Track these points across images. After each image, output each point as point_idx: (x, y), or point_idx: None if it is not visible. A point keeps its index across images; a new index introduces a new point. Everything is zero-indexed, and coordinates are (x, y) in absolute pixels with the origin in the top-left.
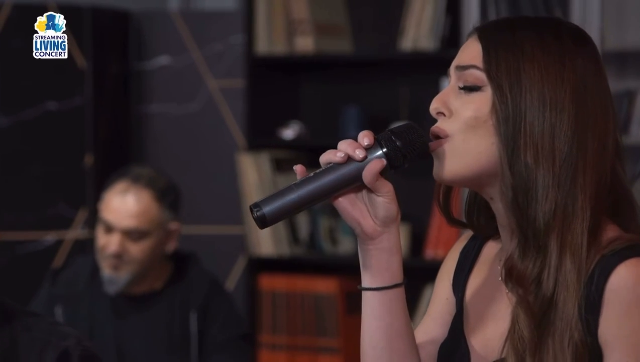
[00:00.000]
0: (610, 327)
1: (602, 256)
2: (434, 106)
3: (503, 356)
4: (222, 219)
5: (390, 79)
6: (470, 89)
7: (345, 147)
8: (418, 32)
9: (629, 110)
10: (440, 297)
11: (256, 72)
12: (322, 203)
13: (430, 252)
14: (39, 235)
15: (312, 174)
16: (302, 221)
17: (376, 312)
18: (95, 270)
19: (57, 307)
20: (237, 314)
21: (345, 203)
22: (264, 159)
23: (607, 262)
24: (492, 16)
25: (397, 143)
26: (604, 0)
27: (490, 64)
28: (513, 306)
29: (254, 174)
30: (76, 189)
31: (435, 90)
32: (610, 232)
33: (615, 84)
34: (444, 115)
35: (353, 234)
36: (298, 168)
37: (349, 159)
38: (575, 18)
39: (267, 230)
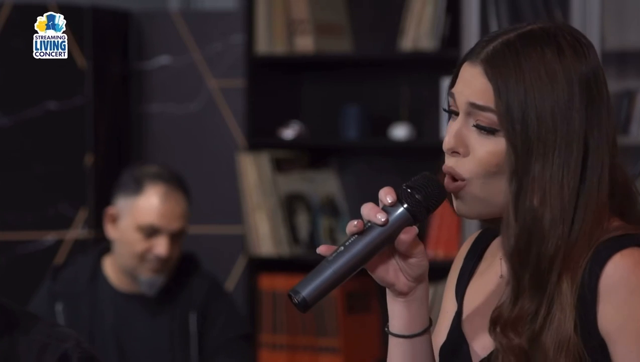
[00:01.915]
0: (610, 318)
1: (597, 247)
2: (451, 145)
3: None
4: (222, 219)
5: (390, 78)
6: (485, 130)
7: (366, 213)
8: (418, 32)
9: (629, 110)
10: (444, 312)
11: (256, 72)
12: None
13: (430, 252)
14: (39, 235)
15: (342, 247)
16: (302, 220)
17: (407, 357)
18: (96, 269)
19: (57, 304)
20: (238, 314)
21: (380, 268)
22: (264, 159)
23: (603, 252)
24: (492, 15)
25: (417, 197)
26: (604, 0)
27: (504, 112)
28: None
29: (254, 174)
30: (76, 188)
31: (435, 90)
32: (610, 222)
33: (615, 84)
34: (459, 154)
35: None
36: (322, 249)
37: (374, 225)
38: (575, 18)
39: (267, 230)
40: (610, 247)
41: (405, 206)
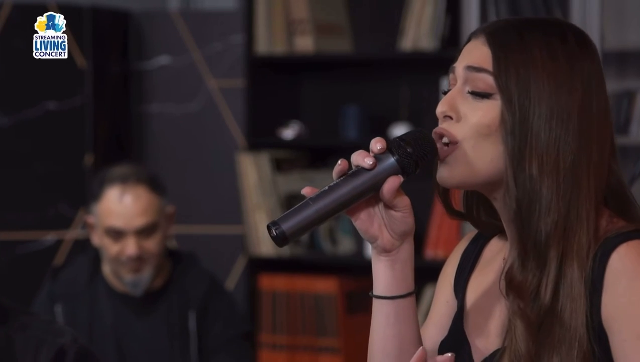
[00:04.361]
0: (614, 304)
1: (605, 238)
2: (442, 109)
3: (504, 346)
4: (222, 219)
5: (390, 79)
6: (480, 95)
7: (355, 158)
8: (418, 32)
9: (629, 110)
10: (440, 301)
11: (256, 72)
12: (338, 215)
13: (430, 252)
14: (39, 235)
15: (326, 187)
16: None
17: (390, 320)
18: (95, 269)
19: (57, 306)
20: (238, 312)
21: (364, 219)
22: (264, 159)
23: (610, 242)
24: (492, 15)
25: (408, 150)
26: (604, 0)
27: (500, 71)
28: (510, 318)
29: (254, 174)
30: (76, 188)
31: (435, 90)
32: (613, 222)
33: (615, 84)
34: (451, 118)
35: (353, 234)
36: (307, 190)
37: (362, 169)
38: (575, 18)
39: (267, 230)
40: (618, 238)
41: (396, 157)
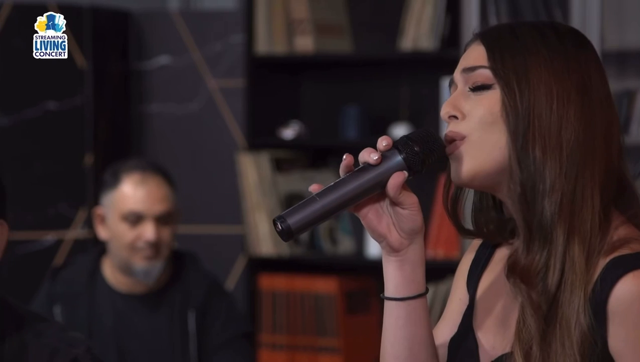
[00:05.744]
0: (620, 340)
1: (610, 261)
2: (446, 110)
3: (512, 350)
4: (222, 219)
5: (390, 79)
6: (480, 88)
7: (362, 155)
8: (418, 31)
9: (629, 110)
10: (454, 299)
11: (256, 72)
12: (344, 211)
13: (430, 252)
14: (39, 235)
15: (332, 183)
16: None
17: (400, 322)
18: (95, 270)
19: (56, 306)
20: (238, 312)
21: (372, 217)
22: (264, 159)
23: (614, 269)
24: (492, 15)
25: (415, 148)
26: (604, 0)
27: (496, 62)
28: (521, 302)
29: (254, 174)
30: (76, 188)
31: (435, 90)
32: (618, 221)
33: (615, 84)
34: (456, 118)
35: (353, 234)
36: (314, 187)
37: (368, 165)
38: (575, 18)
39: (267, 230)
40: (622, 265)
41: (403, 155)
